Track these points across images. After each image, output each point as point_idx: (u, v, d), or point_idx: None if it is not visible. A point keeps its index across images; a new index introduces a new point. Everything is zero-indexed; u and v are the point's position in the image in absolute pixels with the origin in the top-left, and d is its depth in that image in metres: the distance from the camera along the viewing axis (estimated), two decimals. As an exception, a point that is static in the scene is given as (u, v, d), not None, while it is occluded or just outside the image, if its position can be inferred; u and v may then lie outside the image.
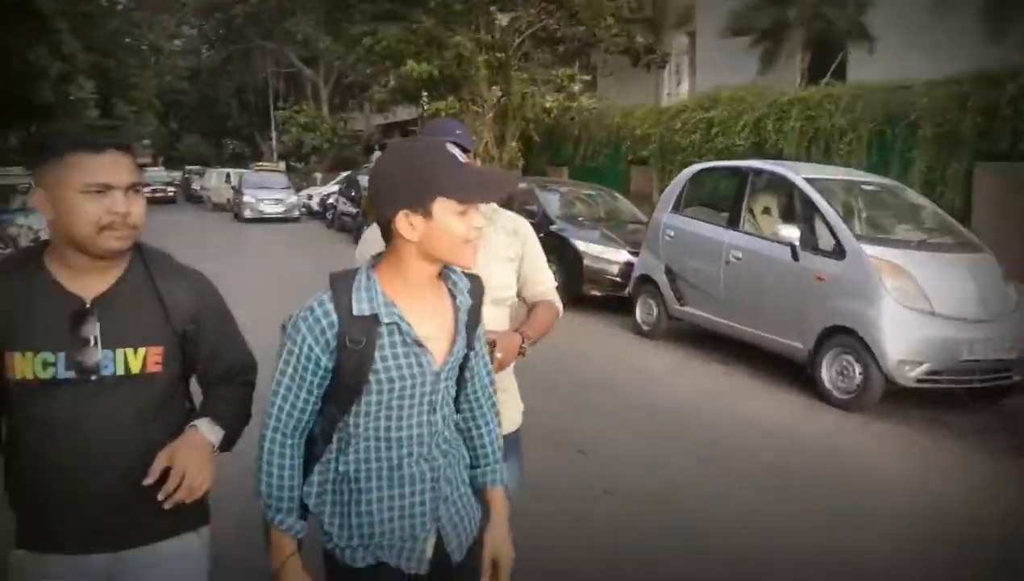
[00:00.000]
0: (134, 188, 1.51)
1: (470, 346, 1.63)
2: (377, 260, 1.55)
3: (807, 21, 13.08)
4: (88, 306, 1.52)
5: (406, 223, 1.43)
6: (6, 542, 1.61)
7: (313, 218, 23.33)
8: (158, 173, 33.15)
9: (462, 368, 1.64)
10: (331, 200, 20.97)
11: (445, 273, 1.57)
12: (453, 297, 1.58)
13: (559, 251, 8.80)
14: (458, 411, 1.70)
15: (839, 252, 5.38)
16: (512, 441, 2.13)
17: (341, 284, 1.51)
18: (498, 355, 1.99)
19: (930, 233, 5.87)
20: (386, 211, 1.44)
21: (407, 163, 1.45)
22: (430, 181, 1.42)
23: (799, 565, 3.25)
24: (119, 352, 1.54)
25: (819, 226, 5.55)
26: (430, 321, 1.54)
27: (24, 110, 22.07)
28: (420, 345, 1.52)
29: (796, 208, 5.93)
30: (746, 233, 6.28)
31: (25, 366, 1.49)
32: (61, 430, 1.52)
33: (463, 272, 1.60)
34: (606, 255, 8.46)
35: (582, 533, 3.42)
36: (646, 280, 7.35)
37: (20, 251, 1.64)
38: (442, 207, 1.42)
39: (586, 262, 8.51)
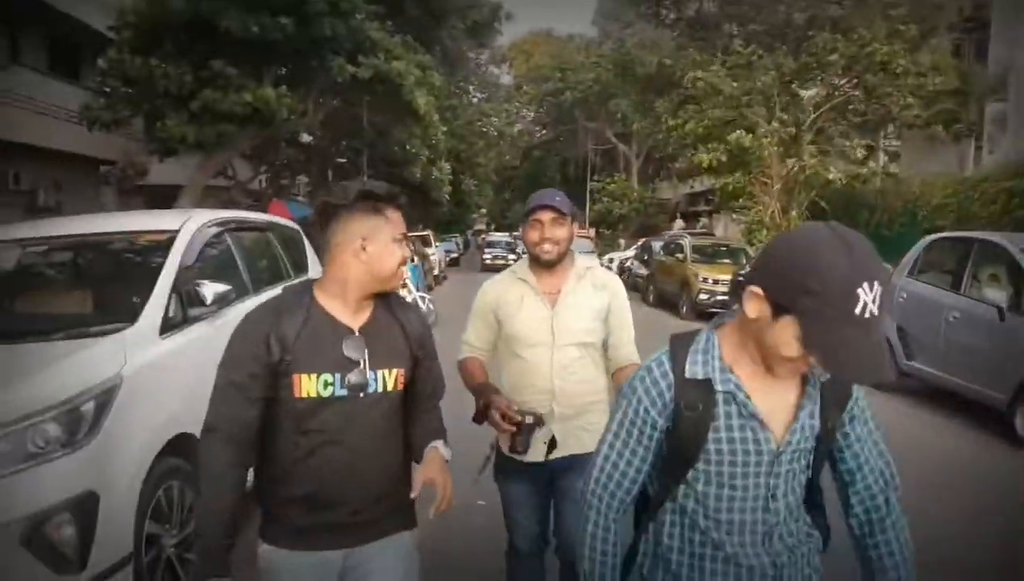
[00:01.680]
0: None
1: (831, 427, 1.45)
2: (721, 322, 1.46)
3: None
4: (357, 334, 1.76)
5: (753, 304, 1.30)
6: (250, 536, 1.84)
7: (614, 280, 25.72)
8: (501, 237, 34.91)
9: (832, 457, 1.51)
10: (627, 263, 23.17)
11: None
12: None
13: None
14: (849, 514, 1.53)
15: (1039, 315, 5.89)
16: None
17: (680, 345, 1.45)
18: None
19: None
20: (751, 280, 1.32)
21: (790, 258, 1.26)
22: (797, 288, 1.23)
23: None
24: (379, 373, 1.76)
25: (1025, 290, 6.09)
26: (774, 394, 1.40)
27: (397, 186, 28.01)
28: (756, 419, 1.39)
29: (1009, 275, 6.45)
30: (964, 296, 6.87)
31: (310, 386, 1.70)
32: (331, 440, 1.73)
33: None
34: (854, 316, 9.18)
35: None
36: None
37: (292, 292, 1.84)
38: (783, 324, 1.27)
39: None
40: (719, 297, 13.78)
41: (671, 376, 1.42)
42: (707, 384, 1.40)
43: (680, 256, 16.02)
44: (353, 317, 1.78)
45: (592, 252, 27.14)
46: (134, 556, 2.83)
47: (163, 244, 3.78)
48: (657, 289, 17.21)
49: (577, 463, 2.37)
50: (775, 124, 16.23)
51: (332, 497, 1.75)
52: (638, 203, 35.41)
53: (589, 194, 39.72)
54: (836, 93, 16.40)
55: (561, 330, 2.44)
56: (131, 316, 3.28)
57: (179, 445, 3.22)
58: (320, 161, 24.47)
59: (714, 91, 16.40)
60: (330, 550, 1.79)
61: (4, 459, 2.51)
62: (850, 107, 16.62)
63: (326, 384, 1.71)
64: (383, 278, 1.77)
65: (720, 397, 1.39)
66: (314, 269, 6.25)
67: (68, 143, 18.07)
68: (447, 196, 27.83)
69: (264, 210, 16.03)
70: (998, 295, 6.25)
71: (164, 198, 21.99)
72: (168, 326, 3.42)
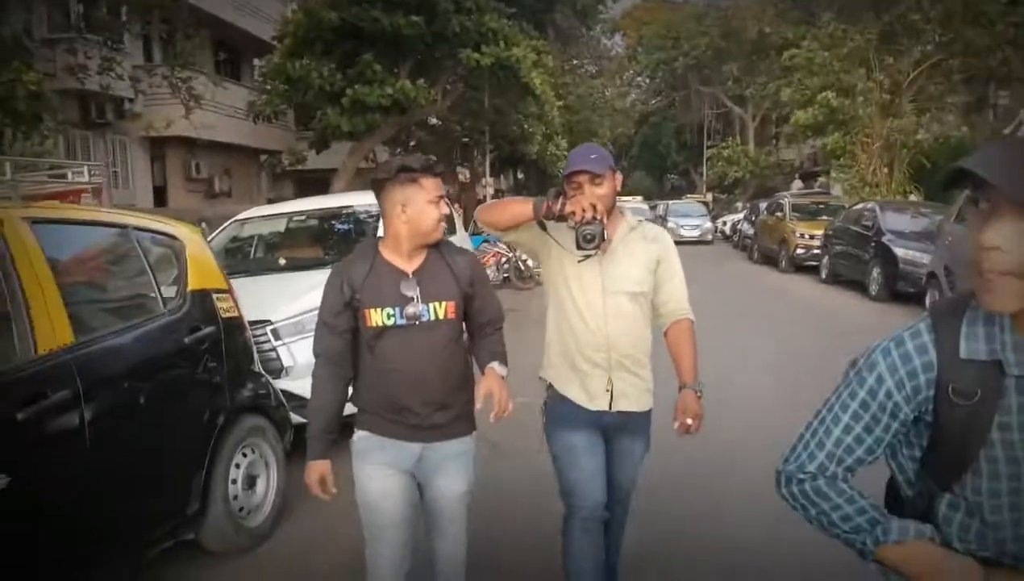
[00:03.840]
0: (442, 198, 2.25)
1: None
2: None
3: None
4: (411, 276, 2.23)
5: None
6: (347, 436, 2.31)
7: (726, 241, 26.87)
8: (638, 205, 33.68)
9: None
10: (739, 225, 24.28)
11: None
12: None
13: (884, 256, 11.07)
14: None
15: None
16: (643, 419, 2.58)
17: (948, 313, 1.13)
18: (689, 422, 2.44)
19: None
20: None
21: None
22: None
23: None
24: (431, 305, 2.21)
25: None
26: None
27: (515, 161, 30.19)
28: None
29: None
30: (992, 236, 8.11)
31: (377, 317, 2.20)
32: (397, 358, 2.22)
33: None
34: (918, 259, 10.43)
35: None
36: (932, 275, 9.38)
37: (363, 246, 2.37)
38: None
39: (901, 265, 10.63)
40: (815, 250, 14.99)
41: (932, 353, 1.13)
42: (994, 365, 1.08)
43: (780, 214, 17.23)
44: (408, 263, 2.24)
45: (705, 216, 28.36)
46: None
47: (376, 212, 5.98)
48: (760, 247, 18.48)
49: (632, 422, 2.53)
50: (871, 84, 16.97)
51: (402, 403, 2.23)
52: (753, 165, 35.87)
53: (705, 159, 40.38)
54: (935, 51, 16.85)
55: (611, 277, 2.47)
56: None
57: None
58: (447, 141, 26.93)
59: (808, 63, 17.35)
60: (409, 442, 2.28)
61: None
62: (949, 61, 17.01)
63: (388, 316, 2.19)
64: (423, 233, 2.22)
65: (1014, 383, 1.07)
66: (460, 228, 8.40)
67: (234, 136, 21.38)
68: (561, 170, 29.67)
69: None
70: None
71: (313, 181, 25.20)
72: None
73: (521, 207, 2.39)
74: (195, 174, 21.23)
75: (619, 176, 2.48)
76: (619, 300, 2.45)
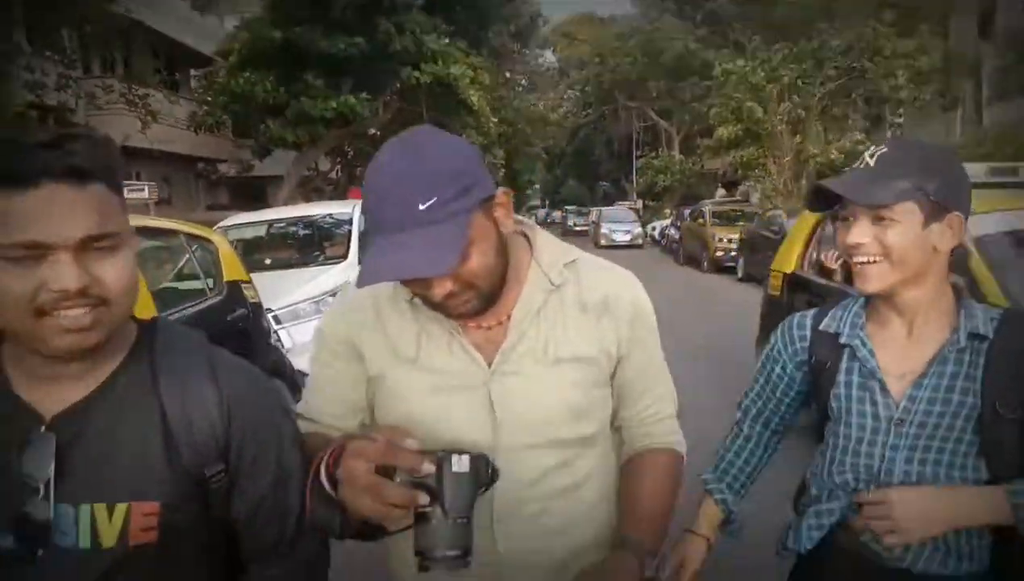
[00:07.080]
0: (95, 243, 0.85)
1: (999, 405, 1.14)
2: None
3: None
4: (44, 428, 0.88)
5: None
6: None
7: (655, 245, 28.48)
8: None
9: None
10: (667, 230, 25.85)
11: (966, 302, 1.23)
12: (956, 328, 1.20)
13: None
14: None
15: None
16: None
17: (833, 303, 1.36)
18: None
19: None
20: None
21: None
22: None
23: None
24: (84, 509, 0.88)
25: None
26: (909, 351, 1.23)
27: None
28: (874, 377, 1.24)
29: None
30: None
31: None
32: None
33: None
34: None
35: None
36: (826, 273, 10.85)
37: None
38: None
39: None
40: (732, 253, 16.46)
41: (808, 328, 1.36)
42: (836, 338, 1.30)
43: (701, 220, 18.74)
44: (53, 393, 0.90)
45: (636, 221, 29.94)
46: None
47: (347, 219, 6.91)
48: (685, 249, 20.00)
49: None
50: (786, 104, 18.70)
51: None
52: (680, 174, 37.77)
53: (635, 168, 42.24)
54: (837, 76, 18.72)
55: (512, 413, 1.16)
56: (344, 255, 6.42)
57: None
58: (387, 152, 27.72)
59: (741, 81, 19.00)
60: None
61: (308, 314, 5.61)
62: (855, 91, 18.92)
63: None
64: (11, 333, 0.89)
65: (845, 352, 1.29)
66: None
67: (174, 145, 21.78)
68: (500, 179, 30.84)
69: (343, 196, 19.41)
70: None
71: (248, 188, 25.62)
72: (360, 260, 6.52)
73: None
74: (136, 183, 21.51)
75: (503, 196, 1.17)
76: (527, 462, 1.17)
